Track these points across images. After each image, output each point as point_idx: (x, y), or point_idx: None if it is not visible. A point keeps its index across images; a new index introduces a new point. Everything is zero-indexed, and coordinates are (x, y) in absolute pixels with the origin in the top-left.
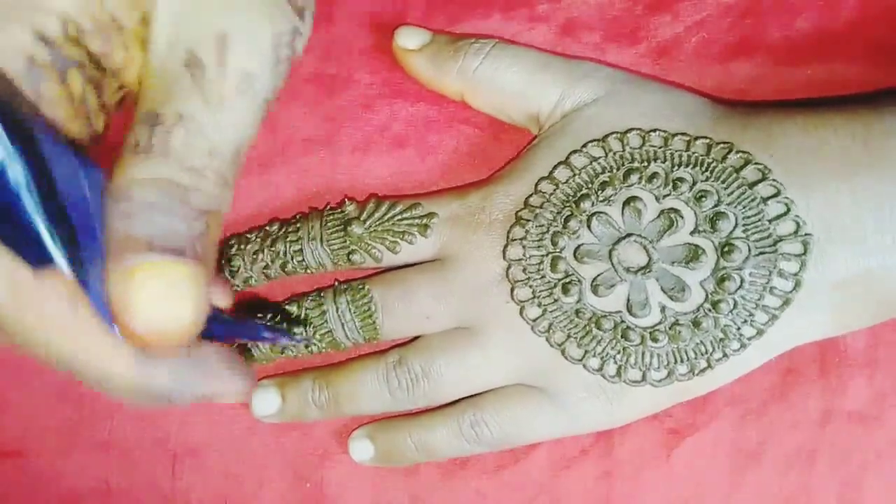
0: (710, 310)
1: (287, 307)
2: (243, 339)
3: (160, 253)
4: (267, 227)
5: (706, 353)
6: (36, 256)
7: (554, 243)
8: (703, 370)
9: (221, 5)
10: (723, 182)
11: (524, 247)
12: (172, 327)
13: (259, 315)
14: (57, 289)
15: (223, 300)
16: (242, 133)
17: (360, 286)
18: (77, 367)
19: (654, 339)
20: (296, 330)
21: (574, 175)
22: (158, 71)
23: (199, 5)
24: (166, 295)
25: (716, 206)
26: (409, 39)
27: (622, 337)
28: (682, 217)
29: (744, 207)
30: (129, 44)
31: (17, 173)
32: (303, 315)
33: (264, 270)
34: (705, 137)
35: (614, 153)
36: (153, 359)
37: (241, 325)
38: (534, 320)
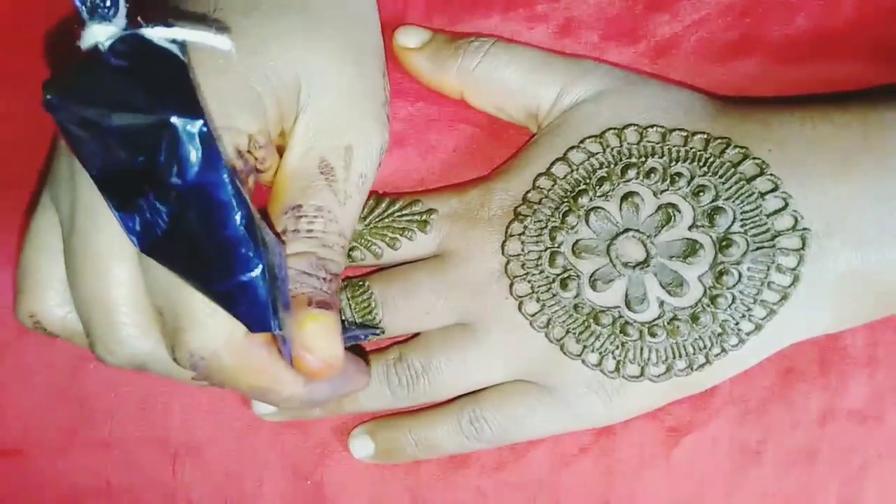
0: (708, 305)
1: None
2: (348, 341)
3: (317, 308)
4: None
5: (704, 348)
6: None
7: (552, 238)
8: (701, 365)
9: (348, 122)
10: (721, 177)
11: (522, 242)
12: (333, 360)
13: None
14: (260, 340)
15: None
16: (355, 217)
17: (360, 282)
18: (267, 394)
19: (653, 335)
20: (376, 326)
21: (572, 171)
22: (294, 174)
23: (329, 125)
24: (326, 338)
25: (714, 200)
26: (409, 38)
27: (621, 332)
28: (679, 212)
29: (742, 202)
30: (273, 152)
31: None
32: None
33: None
34: (703, 133)
35: (612, 149)
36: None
37: (348, 331)
38: (532, 315)
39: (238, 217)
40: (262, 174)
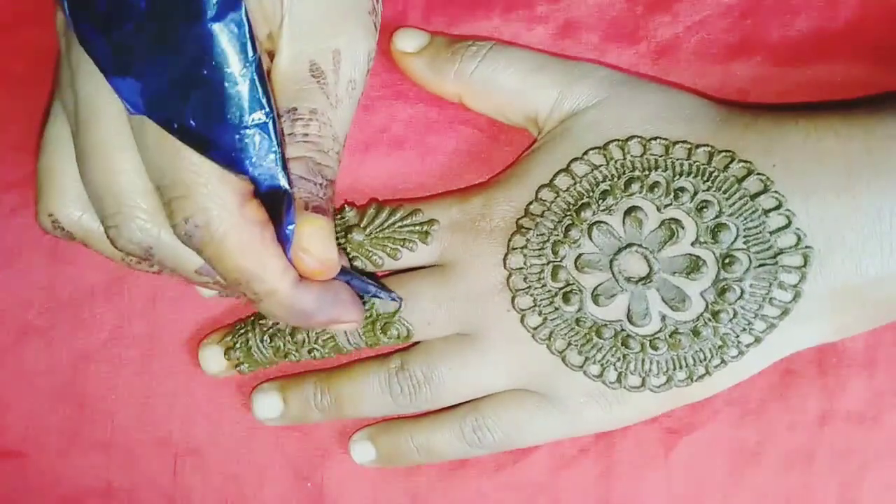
0: (709, 319)
1: None
2: (356, 286)
3: (314, 212)
4: None
5: (705, 360)
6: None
7: (555, 252)
8: (701, 376)
9: (333, 28)
10: (724, 192)
11: (525, 255)
12: (329, 262)
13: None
14: (255, 214)
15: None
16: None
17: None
18: (247, 281)
19: (654, 347)
20: (396, 294)
21: (575, 183)
22: (285, 77)
23: (315, 28)
24: (323, 241)
25: (717, 216)
26: (406, 42)
27: (622, 345)
28: (683, 227)
29: (745, 219)
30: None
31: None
32: None
33: None
34: (706, 146)
35: (615, 161)
36: (306, 285)
37: (355, 275)
38: (535, 328)
39: (250, 63)
40: None
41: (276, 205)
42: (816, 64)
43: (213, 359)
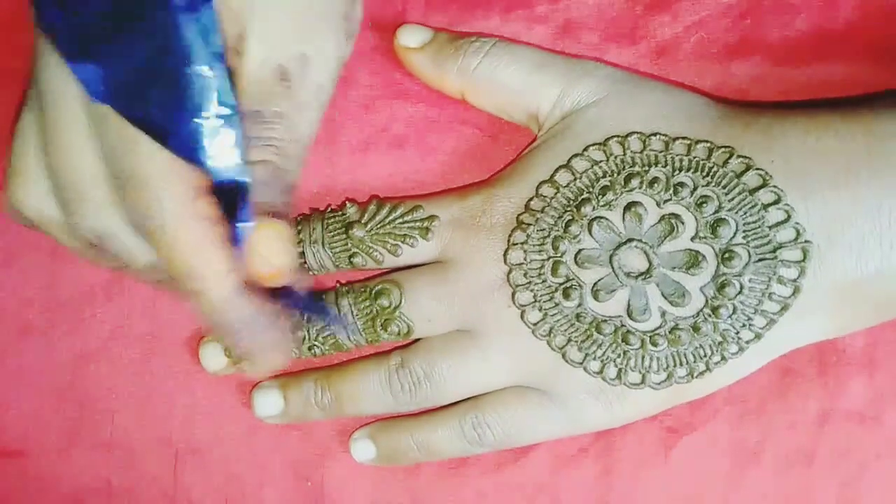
0: (709, 315)
1: None
2: (301, 307)
3: (272, 217)
4: None
5: (705, 356)
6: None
7: (555, 248)
8: (701, 373)
9: (302, 32)
10: (724, 187)
11: (525, 251)
12: (283, 267)
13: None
14: (206, 210)
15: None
16: (313, 129)
17: (363, 288)
18: (187, 277)
19: (654, 343)
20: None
21: (575, 179)
22: (252, 78)
23: (284, 31)
24: (279, 246)
25: (717, 211)
26: (410, 37)
27: (622, 341)
28: (682, 223)
29: (744, 214)
30: (230, 53)
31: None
32: (305, 317)
33: None
34: (706, 141)
35: (615, 157)
36: (244, 296)
37: (301, 294)
38: (535, 324)
39: (217, 56)
40: None
41: (230, 201)
42: (816, 64)
43: (214, 356)
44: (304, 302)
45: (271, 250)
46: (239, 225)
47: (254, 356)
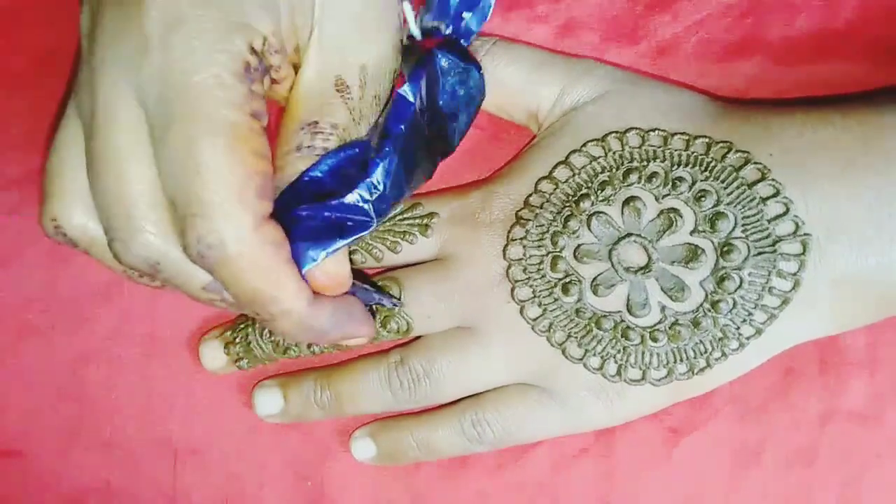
0: (709, 309)
1: None
2: (361, 297)
3: None
4: None
5: (705, 352)
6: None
7: (554, 243)
8: (702, 369)
9: (361, 42)
10: (722, 182)
11: (524, 246)
12: (340, 277)
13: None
14: (271, 235)
15: None
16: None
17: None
18: (262, 303)
19: (654, 339)
20: (394, 296)
21: (574, 174)
22: (310, 91)
23: (344, 42)
24: (336, 257)
25: (715, 205)
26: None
27: (622, 336)
28: (681, 217)
29: (743, 207)
30: (287, 64)
31: None
32: None
33: None
34: (704, 136)
35: (614, 153)
36: (320, 303)
37: (360, 285)
38: (534, 320)
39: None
40: (277, 86)
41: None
42: (816, 63)
43: (213, 354)
44: (360, 294)
45: (329, 262)
46: (299, 243)
47: (346, 344)
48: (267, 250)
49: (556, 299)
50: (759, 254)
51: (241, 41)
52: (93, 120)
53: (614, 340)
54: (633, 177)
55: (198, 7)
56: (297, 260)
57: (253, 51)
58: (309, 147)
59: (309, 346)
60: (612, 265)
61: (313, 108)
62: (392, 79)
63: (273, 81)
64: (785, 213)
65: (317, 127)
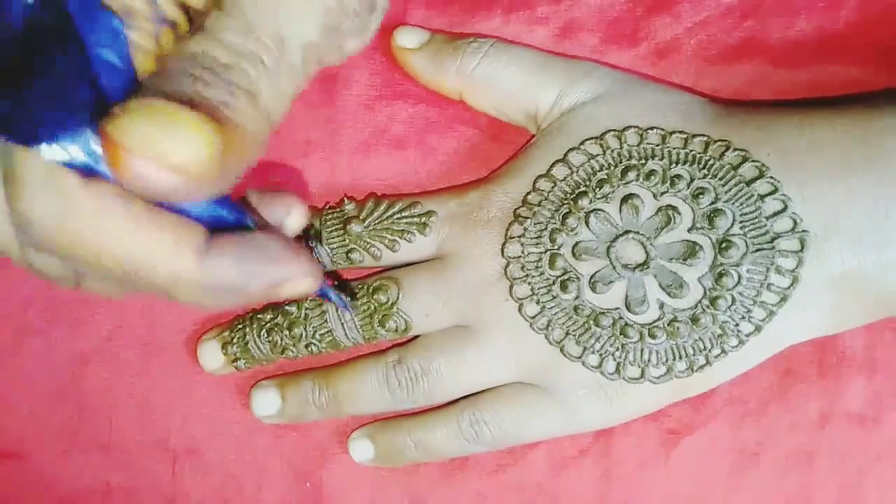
0: (708, 306)
1: (287, 307)
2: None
3: (168, 100)
4: None
5: (704, 349)
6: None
7: (552, 240)
8: (701, 367)
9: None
10: (720, 179)
11: (522, 244)
12: (162, 164)
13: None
14: (109, 193)
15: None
16: (287, 23)
17: (360, 286)
18: (142, 275)
19: (653, 336)
20: (348, 299)
21: (572, 173)
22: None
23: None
24: (162, 131)
25: (713, 203)
26: (407, 38)
27: (621, 334)
28: (679, 214)
29: (741, 204)
30: None
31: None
32: (302, 315)
33: None
34: (703, 135)
35: (612, 151)
36: (214, 252)
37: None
38: (532, 317)
39: None
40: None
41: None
42: (816, 65)
43: (211, 355)
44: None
45: (160, 135)
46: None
47: (282, 294)
48: (108, 207)
49: (554, 297)
50: (758, 250)
51: None
52: None
53: (613, 338)
54: (632, 174)
55: None
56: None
57: None
58: (198, 26)
59: (307, 345)
60: (611, 262)
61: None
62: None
63: (191, 21)
64: (783, 211)
65: (202, 14)
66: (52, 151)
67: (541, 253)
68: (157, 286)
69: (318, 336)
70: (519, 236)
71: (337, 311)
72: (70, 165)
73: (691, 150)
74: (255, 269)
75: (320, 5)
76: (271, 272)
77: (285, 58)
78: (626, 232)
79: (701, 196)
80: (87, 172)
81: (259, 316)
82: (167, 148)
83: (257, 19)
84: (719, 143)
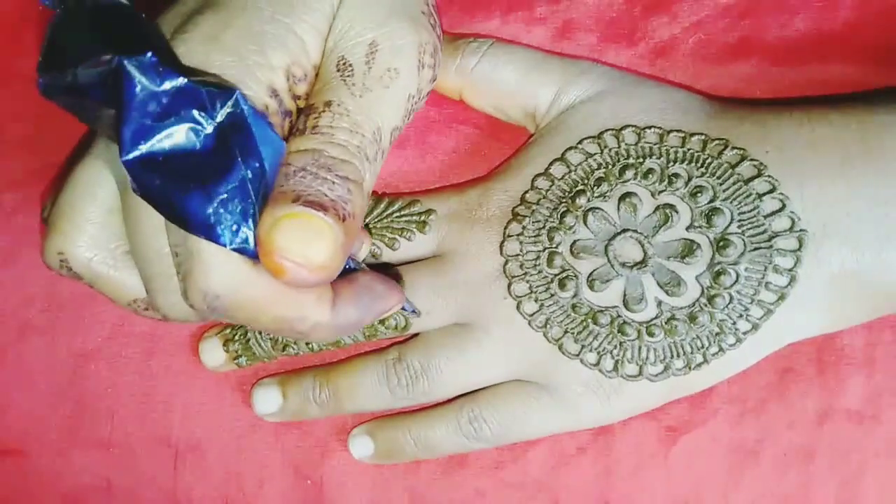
0: (705, 304)
1: None
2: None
3: (304, 206)
4: None
5: (702, 347)
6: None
7: (550, 239)
8: (699, 364)
9: (372, 21)
10: (718, 178)
11: (521, 242)
12: (316, 262)
13: None
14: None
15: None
16: (382, 116)
17: None
18: (290, 327)
19: (651, 334)
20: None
21: (570, 171)
22: (319, 77)
23: (353, 25)
24: (303, 238)
25: (711, 201)
26: None
27: (619, 332)
28: (677, 212)
29: (739, 203)
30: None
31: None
32: None
33: None
34: (700, 134)
35: (610, 149)
36: (342, 299)
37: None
38: (531, 315)
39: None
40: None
41: None
42: (814, 64)
43: (213, 352)
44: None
45: (293, 245)
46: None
47: (384, 321)
48: (271, 281)
49: (552, 295)
50: (756, 249)
51: (259, 86)
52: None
53: (611, 336)
54: (629, 173)
55: (214, 53)
56: (216, 238)
57: (274, 92)
58: (299, 130)
59: (308, 343)
60: (609, 260)
61: (313, 94)
62: (420, 52)
63: (300, 109)
64: (781, 209)
65: (311, 109)
66: (231, 239)
67: (539, 251)
68: (299, 332)
69: None
70: (517, 234)
71: None
72: (237, 250)
73: (689, 149)
74: (369, 307)
75: (405, 95)
76: (380, 307)
77: (381, 146)
78: (625, 230)
79: (699, 195)
80: (246, 252)
81: None
82: (308, 253)
83: (360, 118)
84: (717, 142)
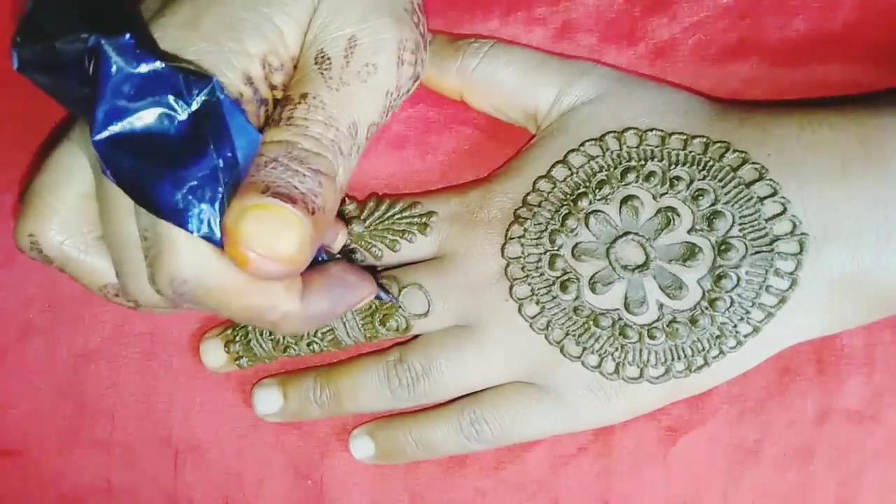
0: (707, 308)
1: None
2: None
3: (273, 197)
4: None
5: (703, 350)
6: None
7: (552, 241)
8: (700, 367)
9: (354, 17)
10: (720, 181)
11: (522, 245)
12: (283, 255)
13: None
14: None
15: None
16: (359, 111)
17: None
18: (259, 316)
19: (652, 337)
20: (390, 291)
21: (572, 174)
22: (297, 69)
23: (332, 19)
24: (270, 230)
25: (713, 204)
26: None
27: (620, 334)
28: (679, 215)
29: (740, 206)
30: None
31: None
32: None
33: None
34: (702, 136)
35: (611, 152)
36: (312, 289)
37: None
38: (532, 318)
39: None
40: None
41: None
42: (814, 65)
43: (214, 353)
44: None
45: (260, 238)
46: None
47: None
48: (231, 267)
49: (554, 297)
50: (757, 252)
51: (234, 73)
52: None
53: (612, 338)
54: (631, 176)
55: (191, 39)
56: (183, 224)
57: (249, 80)
58: (274, 120)
59: (309, 344)
60: (610, 263)
61: (290, 86)
62: (400, 49)
63: (277, 101)
64: (782, 213)
65: (286, 100)
66: (198, 226)
67: (541, 254)
68: (269, 322)
69: (319, 334)
70: (519, 237)
71: None
72: (204, 237)
73: (691, 152)
74: (341, 297)
75: (383, 91)
76: (352, 298)
77: (357, 141)
78: (626, 233)
79: (700, 198)
80: (212, 241)
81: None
82: (274, 245)
83: (335, 112)
84: (719, 145)
